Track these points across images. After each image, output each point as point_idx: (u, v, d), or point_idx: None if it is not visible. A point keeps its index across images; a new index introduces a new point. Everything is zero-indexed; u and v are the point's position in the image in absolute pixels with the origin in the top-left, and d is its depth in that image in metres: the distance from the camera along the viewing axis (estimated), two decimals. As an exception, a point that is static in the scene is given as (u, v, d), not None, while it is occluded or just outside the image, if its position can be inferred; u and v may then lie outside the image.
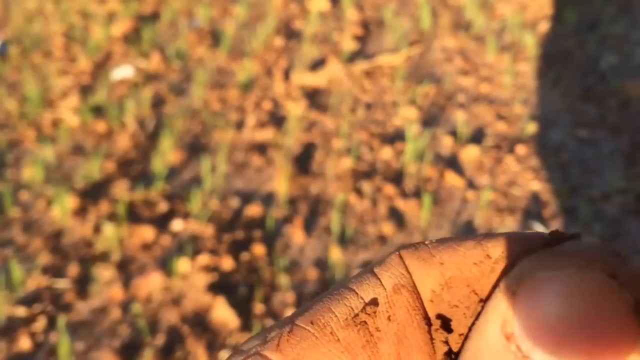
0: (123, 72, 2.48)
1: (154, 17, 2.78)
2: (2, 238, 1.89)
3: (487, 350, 0.23)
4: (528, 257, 0.23)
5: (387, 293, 0.25)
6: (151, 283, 1.75)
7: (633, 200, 1.97)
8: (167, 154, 2.12)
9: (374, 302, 0.25)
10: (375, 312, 0.25)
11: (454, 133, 2.19)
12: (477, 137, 2.19)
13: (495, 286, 0.24)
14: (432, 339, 0.26)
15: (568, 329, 0.21)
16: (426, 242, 0.26)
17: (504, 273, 0.24)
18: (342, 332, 0.24)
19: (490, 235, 0.26)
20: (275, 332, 0.24)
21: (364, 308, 0.25)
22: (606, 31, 2.62)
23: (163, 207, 1.96)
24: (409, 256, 0.26)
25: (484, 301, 0.25)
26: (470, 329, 0.25)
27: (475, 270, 0.25)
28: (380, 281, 0.26)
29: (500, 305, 0.23)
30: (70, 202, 1.95)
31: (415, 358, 0.25)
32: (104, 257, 1.83)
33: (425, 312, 0.26)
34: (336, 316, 0.25)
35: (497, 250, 0.25)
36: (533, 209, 1.95)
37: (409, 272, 0.26)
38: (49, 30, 2.71)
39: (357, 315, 0.25)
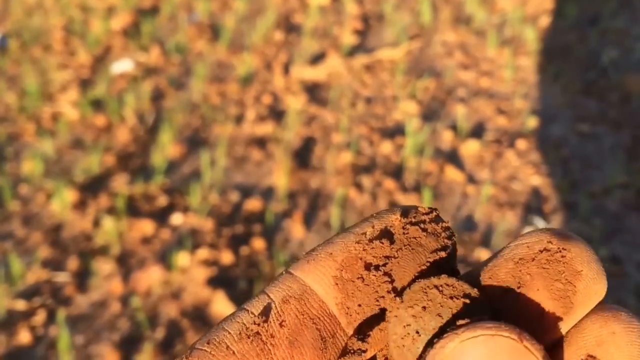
0: (123, 65, 2.48)
1: (154, 10, 2.77)
2: (2, 231, 1.89)
3: None
4: (448, 334, 0.25)
5: (277, 304, 0.28)
6: (151, 277, 1.75)
7: (634, 195, 1.97)
8: (166, 148, 2.12)
9: (264, 313, 0.28)
10: (266, 322, 0.28)
11: (454, 127, 2.19)
12: (477, 131, 2.18)
13: None
14: (332, 334, 0.29)
15: None
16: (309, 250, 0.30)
17: None
18: (236, 345, 0.27)
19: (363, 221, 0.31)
20: (178, 358, 0.27)
21: (254, 321, 0.28)
22: (607, 26, 2.61)
23: (162, 201, 1.96)
24: (297, 268, 0.29)
25: None
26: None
27: (357, 247, 0.29)
28: (269, 296, 0.29)
29: None
30: (69, 195, 1.95)
31: (308, 356, 0.28)
32: (103, 250, 1.83)
33: (325, 310, 0.29)
34: (230, 333, 0.28)
35: (367, 228, 0.30)
36: (533, 204, 1.95)
37: (299, 282, 0.29)
38: (49, 24, 2.71)
39: (248, 327, 0.28)
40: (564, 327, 0.28)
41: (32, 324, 1.66)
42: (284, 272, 0.29)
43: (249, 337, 0.27)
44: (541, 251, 0.29)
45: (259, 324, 0.28)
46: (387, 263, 0.29)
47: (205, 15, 2.73)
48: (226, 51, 2.54)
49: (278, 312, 0.28)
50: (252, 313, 0.28)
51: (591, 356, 0.27)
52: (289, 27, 2.68)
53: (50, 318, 1.67)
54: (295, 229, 1.87)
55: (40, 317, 1.67)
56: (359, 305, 0.29)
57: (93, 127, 2.22)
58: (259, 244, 1.82)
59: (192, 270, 1.76)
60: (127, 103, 2.29)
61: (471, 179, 2.03)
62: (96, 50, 2.56)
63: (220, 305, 1.67)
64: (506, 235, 1.85)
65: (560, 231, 0.30)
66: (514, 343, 0.24)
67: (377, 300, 0.29)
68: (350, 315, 0.29)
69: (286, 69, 2.45)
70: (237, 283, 1.73)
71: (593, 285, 0.29)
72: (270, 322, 0.28)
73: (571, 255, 0.29)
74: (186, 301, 1.69)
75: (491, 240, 1.84)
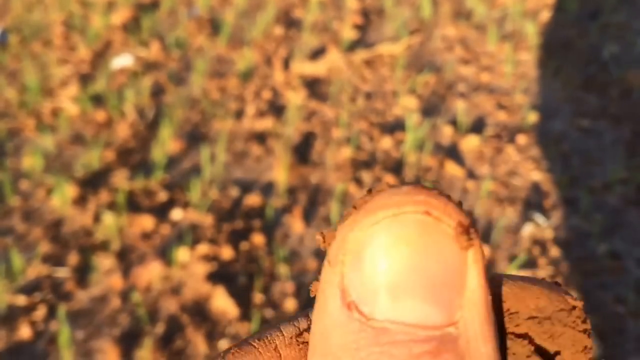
0: (122, 61, 2.47)
1: (154, 5, 2.77)
2: (2, 227, 1.89)
3: (333, 327, 0.23)
4: (341, 224, 0.23)
5: None
6: (151, 272, 1.75)
7: (634, 191, 1.97)
8: (166, 143, 2.12)
9: None
10: None
11: (454, 122, 2.19)
12: (477, 126, 2.18)
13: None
14: None
15: (400, 279, 0.22)
16: None
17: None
18: (285, 349, 0.26)
19: None
20: (229, 347, 0.26)
21: (308, 328, 0.27)
22: (608, 20, 2.61)
23: (163, 196, 1.96)
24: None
25: None
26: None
27: None
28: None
29: (334, 278, 0.23)
30: (70, 191, 1.95)
31: None
32: (103, 246, 1.83)
33: None
34: (283, 335, 0.26)
35: None
36: (533, 199, 1.95)
37: None
38: (49, 19, 2.70)
39: (301, 334, 0.26)
40: None
41: (33, 319, 1.66)
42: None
43: (298, 345, 0.26)
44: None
45: None
46: None
47: (205, 10, 2.73)
48: (226, 46, 2.54)
49: None
50: (310, 320, 0.27)
51: None
52: (289, 22, 2.67)
53: (51, 313, 1.67)
54: (295, 224, 1.87)
55: (40, 312, 1.67)
56: None
57: (93, 123, 2.22)
58: (258, 239, 1.82)
59: (192, 265, 1.76)
60: (127, 98, 2.29)
61: (471, 174, 2.03)
62: (96, 45, 2.56)
63: (220, 300, 1.67)
64: (506, 231, 1.85)
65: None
66: (420, 217, 0.22)
67: None
68: None
69: (286, 64, 2.44)
70: (237, 278, 1.73)
71: None
72: None
73: None
74: (186, 296, 1.70)
75: (491, 235, 1.84)
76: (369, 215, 0.22)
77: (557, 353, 0.25)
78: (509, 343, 0.25)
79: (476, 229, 0.22)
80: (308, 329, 0.26)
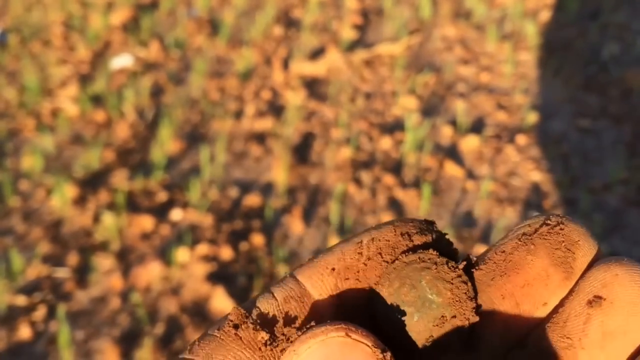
0: (122, 61, 2.47)
1: (153, 5, 2.77)
2: (2, 227, 1.89)
3: None
4: (288, 353, 0.28)
5: (279, 302, 0.31)
6: (150, 272, 1.75)
7: (634, 191, 1.97)
8: (166, 144, 2.12)
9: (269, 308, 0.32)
10: (267, 317, 0.31)
11: (453, 123, 2.19)
12: (477, 126, 2.18)
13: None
14: None
15: None
16: (309, 258, 0.33)
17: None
18: (243, 332, 0.30)
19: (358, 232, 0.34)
20: (190, 344, 0.31)
21: (258, 311, 0.32)
22: (608, 20, 2.61)
23: (162, 196, 1.96)
24: (300, 272, 0.32)
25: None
26: None
27: (353, 257, 0.32)
28: (273, 295, 0.32)
29: None
30: (69, 191, 1.95)
31: None
32: (103, 246, 1.83)
33: (318, 312, 0.32)
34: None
35: (365, 236, 0.33)
36: (533, 200, 1.95)
37: (300, 285, 0.32)
38: (48, 19, 2.70)
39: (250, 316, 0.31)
40: (565, 291, 0.32)
41: (33, 319, 1.66)
42: (288, 275, 0.32)
43: (255, 325, 0.31)
44: (541, 226, 0.33)
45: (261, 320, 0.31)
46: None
47: (204, 10, 2.73)
48: (225, 46, 2.54)
49: (280, 310, 0.31)
50: (258, 307, 0.31)
51: (597, 296, 0.30)
52: (288, 22, 2.67)
53: (51, 313, 1.67)
54: (295, 224, 1.87)
55: (40, 312, 1.67)
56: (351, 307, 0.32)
57: (93, 123, 2.22)
58: (258, 239, 1.82)
59: (191, 265, 1.76)
60: (126, 98, 2.29)
61: (471, 175, 2.03)
62: (96, 45, 2.56)
63: (220, 300, 1.67)
64: (506, 231, 1.85)
65: (558, 214, 0.34)
66: (343, 339, 0.27)
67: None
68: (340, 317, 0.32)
69: (285, 64, 2.44)
70: (237, 279, 1.73)
71: (590, 253, 0.32)
72: (273, 316, 0.32)
73: (569, 228, 0.32)
74: (186, 297, 1.70)
75: (491, 236, 1.84)
76: (302, 344, 0.28)
77: None
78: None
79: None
80: (259, 312, 0.31)
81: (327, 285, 0.32)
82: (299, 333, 0.29)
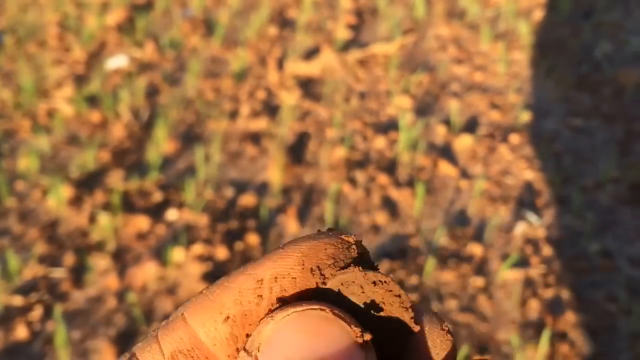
0: (117, 61, 2.48)
1: (148, 6, 2.78)
2: (-2, 228, 1.90)
3: None
4: (264, 318, 0.27)
5: (165, 358, 0.28)
6: (146, 272, 1.76)
7: (626, 190, 1.98)
8: (161, 144, 2.13)
9: None
10: None
11: (447, 122, 2.20)
12: (470, 126, 2.19)
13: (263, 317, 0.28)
14: None
15: None
16: (204, 290, 0.29)
17: (275, 299, 0.28)
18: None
19: (259, 260, 0.29)
20: None
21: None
22: (601, 19, 2.62)
23: (157, 196, 1.97)
24: (191, 314, 0.29)
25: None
26: None
27: (252, 300, 0.28)
28: (161, 348, 0.29)
29: None
30: (65, 192, 1.96)
31: None
32: (99, 246, 1.84)
33: None
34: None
35: (267, 273, 0.28)
36: (526, 198, 1.96)
37: (191, 333, 0.28)
38: (44, 20, 2.71)
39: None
40: None
41: (29, 319, 1.67)
42: (179, 314, 0.29)
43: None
44: None
45: None
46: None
47: (199, 10, 2.74)
48: (220, 46, 2.55)
49: None
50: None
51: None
52: (283, 22, 2.68)
53: (47, 313, 1.68)
54: (290, 224, 1.88)
55: (37, 312, 1.68)
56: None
57: (88, 123, 2.23)
58: (253, 239, 1.83)
59: (187, 265, 1.77)
60: (121, 99, 2.30)
61: (464, 174, 2.04)
62: (91, 46, 2.57)
63: (215, 300, 1.68)
64: (499, 230, 1.87)
65: None
66: (323, 313, 0.26)
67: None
68: None
69: (280, 64, 2.45)
70: (232, 278, 1.74)
71: None
72: None
73: None
74: (181, 296, 1.71)
75: (484, 234, 1.86)
76: (281, 312, 0.26)
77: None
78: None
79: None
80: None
81: (222, 334, 0.28)
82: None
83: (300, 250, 0.29)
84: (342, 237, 0.29)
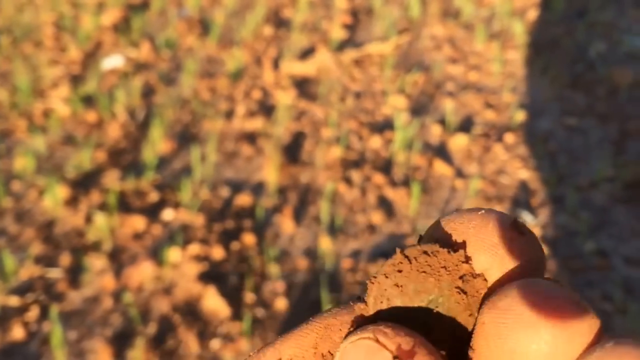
0: (113, 61, 2.48)
1: (144, 6, 2.78)
2: (-6, 228, 1.90)
3: None
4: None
5: None
6: (142, 272, 1.76)
7: (620, 189, 1.99)
8: (157, 144, 2.13)
9: None
10: None
11: (442, 122, 2.21)
12: (465, 125, 2.20)
13: None
14: None
15: None
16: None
17: None
18: None
19: (286, 335, 0.31)
20: None
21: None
22: (595, 19, 2.63)
23: (154, 196, 1.97)
24: None
25: None
26: None
27: None
28: None
29: None
30: (61, 192, 1.96)
31: None
32: (95, 246, 1.84)
33: None
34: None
35: (286, 352, 0.30)
36: (521, 198, 1.97)
37: None
38: (40, 20, 2.71)
39: None
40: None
41: (26, 319, 1.67)
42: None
43: None
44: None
45: None
46: None
47: (195, 10, 2.74)
48: (216, 46, 2.55)
49: None
50: None
51: (472, 348, 0.27)
52: (279, 21, 2.69)
53: (44, 314, 1.68)
54: (285, 224, 1.89)
55: (33, 312, 1.69)
56: None
57: (84, 123, 2.23)
58: (249, 239, 1.84)
59: (183, 265, 1.77)
60: (117, 99, 2.30)
61: (460, 173, 2.05)
62: (87, 46, 2.57)
63: (212, 300, 1.69)
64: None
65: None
66: (370, 342, 0.26)
67: None
68: None
69: (276, 64, 2.46)
70: (228, 278, 1.75)
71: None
72: None
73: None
74: (178, 296, 1.71)
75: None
76: (349, 337, 0.27)
77: None
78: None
79: (424, 355, 0.26)
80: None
81: None
82: None
83: (317, 331, 0.30)
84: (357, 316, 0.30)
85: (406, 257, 0.29)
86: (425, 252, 0.28)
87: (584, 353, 0.25)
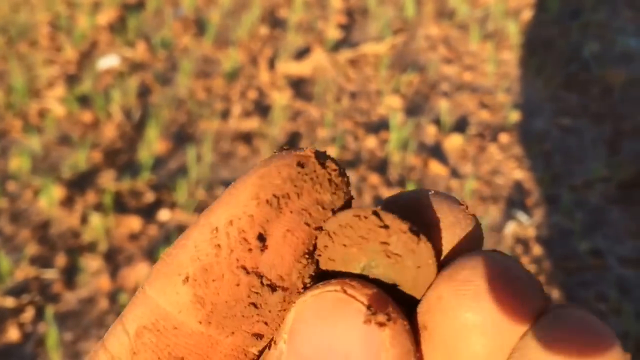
0: (109, 61, 2.48)
1: (139, 5, 2.78)
2: (-10, 229, 1.90)
3: None
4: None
5: (131, 340, 0.26)
6: (138, 273, 1.77)
7: (615, 189, 2.00)
8: (153, 144, 2.13)
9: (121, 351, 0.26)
10: None
11: (437, 122, 2.22)
12: (460, 125, 2.21)
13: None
14: None
15: (313, 356, 0.24)
16: (162, 255, 0.27)
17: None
18: None
19: (211, 206, 0.27)
20: None
21: None
22: (588, 19, 2.64)
23: (149, 197, 1.97)
24: (151, 283, 0.26)
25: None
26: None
27: (210, 252, 0.26)
28: (125, 327, 0.26)
29: (277, 355, 0.25)
30: (57, 192, 1.96)
31: None
32: (91, 247, 1.84)
33: (185, 341, 0.26)
34: None
35: (221, 218, 0.26)
36: (516, 198, 1.98)
37: (153, 304, 0.26)
38: (35, 20, 2.71)
39: None
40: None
41: (21, 320, 1.67)
42: (140, 289, 0.26)
43: None
44: None
45: None
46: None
47: (190, 10, 2.74)
48: (212, 46, 2.55)
49: (133, 350, 0.26)
50: (110, 352, 0.27)
51: (424, 327, 0.25)
52: (274, 21, 2.69)
53: (39, 315, 1.69)
54: (281, 224, 1.89)
55: (28, 314, 1.69)
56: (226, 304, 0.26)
57: (80, 123, 2.23)
58: (245, 239, 1.84)
59: (179, 266, 1.77)
60: (113, 99, 2.30)
61: (455, 173, 2.05)
62: (82, 45, 2.57)
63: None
64: (489, 230, 1.88)
65: None
66: (338, 294, 0.24)
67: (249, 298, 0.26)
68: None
69: (271, 64, 2.46)
70: (224, 278, 1.75)
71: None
72: None
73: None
74: (173, 297, 1.71)
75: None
76: (302, 296, 0.25)
77: None
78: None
79: (396, 310, 0.24)
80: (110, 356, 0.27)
81: (185, 298, 0.26)
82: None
83: (251, 182, 0.26)
84: (297, 153, 0.26)
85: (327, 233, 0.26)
86: (348, 225, 0.26)
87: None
